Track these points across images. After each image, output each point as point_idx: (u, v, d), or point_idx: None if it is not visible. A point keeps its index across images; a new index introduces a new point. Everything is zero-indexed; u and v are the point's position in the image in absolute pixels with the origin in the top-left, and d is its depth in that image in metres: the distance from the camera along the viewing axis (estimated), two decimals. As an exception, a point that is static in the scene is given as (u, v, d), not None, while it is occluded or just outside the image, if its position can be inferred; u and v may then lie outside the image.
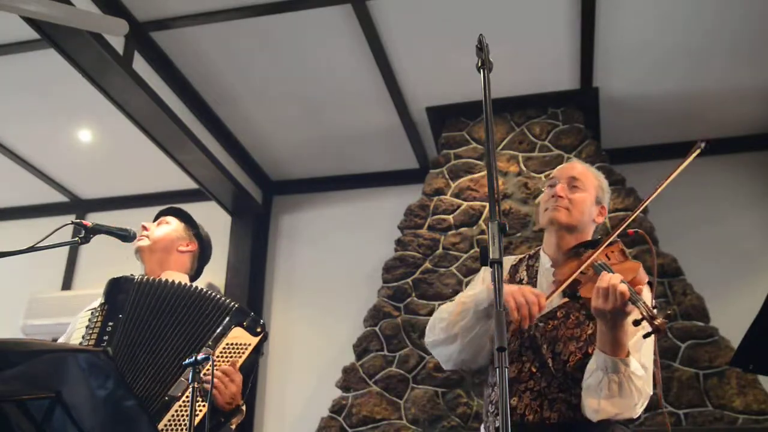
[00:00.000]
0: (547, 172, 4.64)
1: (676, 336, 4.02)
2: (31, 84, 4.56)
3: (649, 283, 1.89)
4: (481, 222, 4.59)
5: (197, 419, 1.85)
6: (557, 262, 2.03)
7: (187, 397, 1.91)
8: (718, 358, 3.90)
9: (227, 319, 2.10)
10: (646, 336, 1.67)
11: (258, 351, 2.13)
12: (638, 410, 1.78)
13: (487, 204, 4.43)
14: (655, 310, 1.66)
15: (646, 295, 1.88)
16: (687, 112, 4.79)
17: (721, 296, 4.32)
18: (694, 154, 2.03)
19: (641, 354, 1.82)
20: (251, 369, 2.12)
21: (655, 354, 1.86)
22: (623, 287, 1.68)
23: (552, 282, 1.98)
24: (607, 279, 1.71)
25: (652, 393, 1.81)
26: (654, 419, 3.84)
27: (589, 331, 1.89)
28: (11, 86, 4.61)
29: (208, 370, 1.83)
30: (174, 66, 4.47)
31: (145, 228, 2.36)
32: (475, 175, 4.78)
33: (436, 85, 4.65)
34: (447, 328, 1.96)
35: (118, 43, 3.98)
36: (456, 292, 4.42)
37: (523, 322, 1.76)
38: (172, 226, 2.41)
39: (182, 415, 1.92)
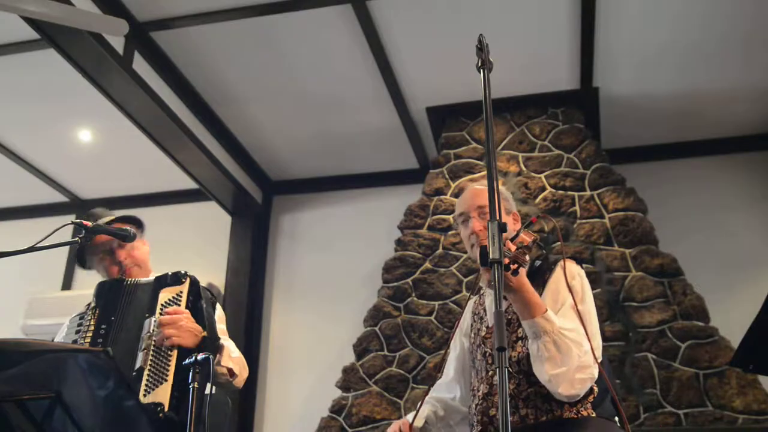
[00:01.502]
0: (545, 171, 4.65)
1: (676, 336, 4.02)
2: (31, 84, 4.56)
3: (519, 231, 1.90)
4: (481, 222, 4.58)
5: (171, 370, 1.94)
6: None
7: (150, 360, 1.99)
8: (718, 358, 3.90)
9: (155, 290, 2.19)
10: (514, 272, 1.68)
11: (197, 294, 2.19)
12: (587, 369, 1.76)
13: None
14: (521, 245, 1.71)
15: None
16: (687, 112, 4.79)
17: (721, 296, 4.32)
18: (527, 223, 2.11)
19: (577, 314, 1.84)
20: (199, 309, 2.16)
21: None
22: (476, 226, 1.85)
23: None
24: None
25: (598, 355, 1.80)
26: (654, 419, 3.84)
27: None
28: (11, 86, 4.60)
29: (154, 332, 1.99)
30: (174, 66, 4.47)
31: (125, 263, 2.38)
32: (475, 175, 4.78)
33: (436, 85, 4.65)
34: None
35: (118, 43, 3.98)
36: (456, 292, 4.42)
37: None
38: (135, 241, 2.44)
39: (155, 375, 1.97)
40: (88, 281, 5.74)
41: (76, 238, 2.09)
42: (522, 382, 1.90)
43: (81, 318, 2.17)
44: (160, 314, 2.09)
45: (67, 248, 5.74)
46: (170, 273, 2.22)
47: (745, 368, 1.95)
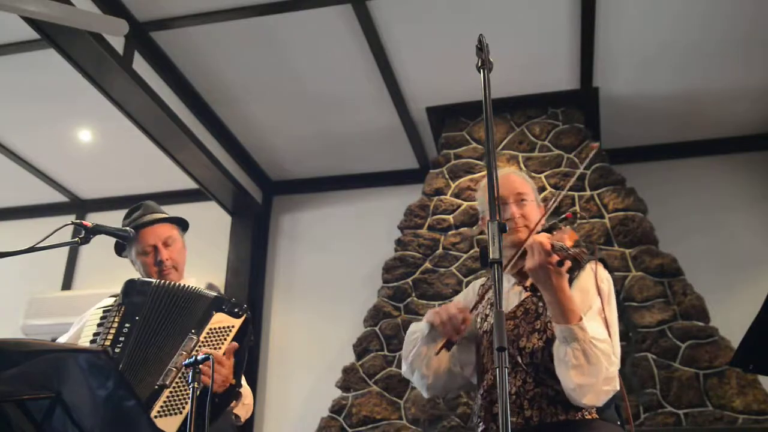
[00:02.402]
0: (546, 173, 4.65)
1: (676, 336, 4.02)
2: (31, 84, 4.56)
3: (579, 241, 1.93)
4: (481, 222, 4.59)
5: (188, 406, 1.90)
6: (512, 267, 2.08)
7: (177, 383, 1.97)
8: (718, 358, 3.90)
9: (208, 307, 2.15)
10: (570, 272, 1.70)
11: (244, 333, 2.17)
12: (612, 381, 1.76)
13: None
14: (573, 249, 1.71)
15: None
16: (687, 112, 4.79)
17: (721, 296, 4.32)
18: (592, 153, 2.13)
19: (604, 321, 1.83)
20: (241, 351, 2.15)
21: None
22: (541, 238, 1.75)
23: (513, 284, 2.07)
24: (530, 239, 1.80)
25: (619, 363, 1.81)
26: (654, 419, 3.84)
27: (547, 320, 1.91)
28: (11, 86, 4.60)
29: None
30: (174, 66, 4.47)
31: (166, 264, 2.36)
32: (475, 175, 4.78)
33: (436, 85, 4.65)
34: (405, 359, 2.14)
35: (118, 43, 3.98)
36: (456, 292, 4.42)
37: (452, 336, 1.90)
38: (178, 242, 2.43)
39: (173, 402, 1.96)
40: (88, 281, 5.79)
41: (76, 238, 2.08)
42: (529, 379, 1.87)
43: (106, 312, 2.15)
44: (205, 339, 2.07)
45: (67, 248, 5.75)
46: (231, 300, 2.20)
47: (745, 368, 1.95)
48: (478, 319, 2.14)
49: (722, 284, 4.46)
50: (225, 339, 2.11)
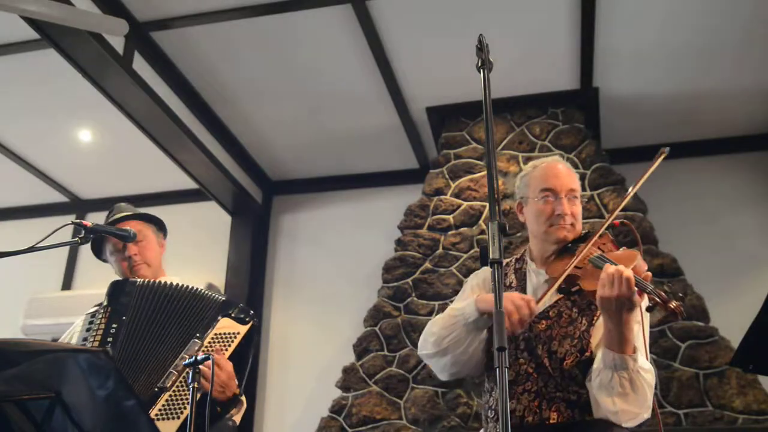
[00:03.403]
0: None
1: (676, 336, 4.02)
2: (31, 84, 4.56)
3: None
4: (481, 222, 4.59)
5: (187, 410, 1.88)
6: (546, 262, 2.03)
7: (177, 387, 1.95)
8: (718, 358, 3.90)
9: (216, 312, 2.13)
10: (649, 310, 1.65)
11: (250, 340, 2.15)
12: (651, 408, 1.78)
13: (487, 204, 4.43)
14: (666, 294, 1.66)
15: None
16: (687, 112, 4.79)
17: (721, 296, 4.32)
18: (661, 158, 2.08)
19: (645, 347, 1.82)
20: (245, 358, 2.14)
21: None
22: (629, 273, 1.68)
23: (544, 281, 2.00)
24: (613, 267, 1.71)
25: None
26: (654, 419, 3.84)
27: (582, 328, 1.90)
28: (11, 86, 4.60)
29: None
30: (174, 66, 4.47)
31: (135, 259, 2.35)
32: (475, 175, 4.78)
33: (436, 85, 4.65)
34: (437, 342, 1.98)
35: (118, 43, 3.98)
36: (456, 292, 4.41)
37: (516, 328, 1.79)
38: (150, 239, 2.41)
39: (172, 405, 1.94)
40: (87, 281, 5.79)
41: (76, 238, 2.08)
42: (551, 382, 1.85)
43: (93, 316, 2.15)
44: (209, 344, 2.05)
45: (67, 248, 5.75)
46: (240, 305, 2.18)
47: (745, 368, 1.95)
48: None
49: (722, 284, 4.46)
50: (229, 345, 2.09)
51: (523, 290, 2.04)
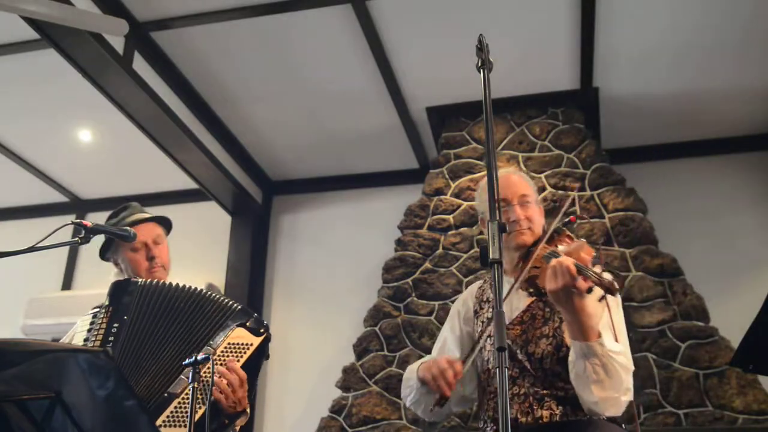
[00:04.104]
0: (547, 172, 4.65)
1: (676, 336, 4.02)
2: (31, 84, 4.56)
3: (596, 257, 1.92)
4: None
5: (197, 416, 1.86)
6: (515, 270, 2.06)
7: (187, 394, 1.92)
8: (718, 358, 3.90)
9: (230, 319, 2.11)
10: (600, 299, 1.69)
11: (262, 352, 2.13)
12: (630, 390, 1.79)
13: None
14: (604, 274, 1.69)
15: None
16: (687, 112, 4.79)
17: (721, 296, 4.32)
18: (570, 200, 2.14)
19: (613, 331, 1.84)
20: (255, 370, 2.12)
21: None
22: (568, 261, 1.71)
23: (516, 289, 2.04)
24: (554, 260, 1.76)
25: (633, 368, 1.83)
26: (654, 419, 3.84)
27: (555, 325, 1.93)
28: (11, 86, 4.60)
29: (208, 369, 1.83)
30: (174, 66, 4.47)
31: (156, 261, 2.35)
32: (475, 175, 4.78)
33: (436, 85, 4.65)
34: (405, 399, 2.16)
35: (118, 43, 3.98)
36: (456, 292, 4.42)
37: (444, 392, 1.86)
38: (165, 242, 2.42)
39: (181, 412, 1.92)
40: (87, 281, 5.79)
41: (76, 238, 2.07)
42: (538, 382, 1.88)
43: (94, 317, 2.13)
44: (222, 353, 2.04)
45: (67, 248, 5.75)
46: (255, 315, 2.16)
47: (745, 368, 1.95)
48: (480, 323, 2.14)
49: (722, 284, 4.46)
50: (242, 356, 2.07)
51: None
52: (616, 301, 1.92)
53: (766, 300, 1.67)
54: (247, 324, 2.12)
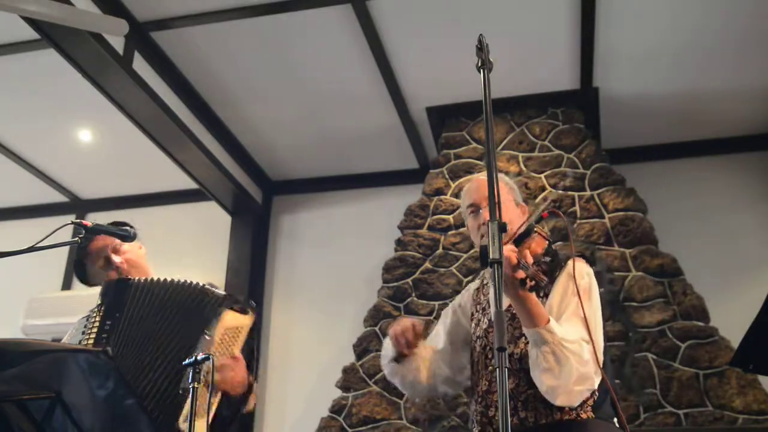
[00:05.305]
0: (547, 172, 4.65)
1: (676, 336, 4.02)
2: (31, 84, 4.56)
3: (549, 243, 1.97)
4: (481, 222, 4.58)
5: (211, 415, 1.90)
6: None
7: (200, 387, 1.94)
8: (718, 358, 3.90)
9: (219, 306, 2.12)
10: (531, 290, 1.69)
11: (253, 329, 2.18)
12: (586, 381, 1.74)
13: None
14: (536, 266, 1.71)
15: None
16: (687, 112, 4.79)
17: (721, 296, 4.32)
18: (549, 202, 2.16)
19: (584, 321, 1.80)
20: (253, 348, 2.16)
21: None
22: (508, 252, 1.69)
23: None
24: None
25: (597, 361, 1.76)
26: (654, 419, 3.84)
27: None
28: (11, 86, 4.60)
29: (208, 365, 1.85)
30: (174, 66, 4.47)
31: (122, 266, 2.34)
32: (478, 174, 4.78)
33: (436, 85, 4.65)
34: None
35: (118, 43, 3.98)
36: (456, 292, 4.41)
37: (403, 350, 2.05)
38: (124, 245, 2.40)
39: (200, 405, 1.93)
40: (88, 281, 5.75)
41: (76, 238, 2.07)
42: (522, 382, 1.88)
43: (87, 319, 2.12)
44: (221, 339, 2.04)
45: (67, 248, 5.74)
46: (240, 298, 2.18)
47: (745, 368, 1.95)
48: (473, 324, 2.15)
49: (722, 284, 4.46)
50: (237, 338, 2.10)
51: (488, 306, 2.11)
52: (588, 292, 1.91)
53: (766, 300, 1.67)
54: (235, 307, 2.14)
